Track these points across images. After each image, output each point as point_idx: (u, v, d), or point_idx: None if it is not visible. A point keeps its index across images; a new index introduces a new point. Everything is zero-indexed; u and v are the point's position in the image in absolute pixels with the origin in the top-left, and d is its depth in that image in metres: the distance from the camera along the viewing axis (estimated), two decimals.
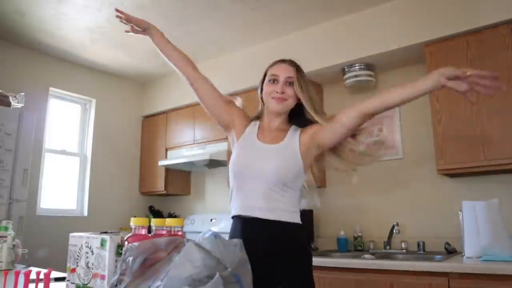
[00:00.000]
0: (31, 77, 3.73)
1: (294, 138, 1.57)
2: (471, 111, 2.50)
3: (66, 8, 3.06)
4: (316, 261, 2.55)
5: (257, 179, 1.49)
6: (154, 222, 0.99)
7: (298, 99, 1.60)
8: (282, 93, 1.59)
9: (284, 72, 1.64)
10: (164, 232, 0.97)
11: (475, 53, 2.54)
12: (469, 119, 2.50)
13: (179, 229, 0.97)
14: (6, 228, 1.88)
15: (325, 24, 3.28)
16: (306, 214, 3.34)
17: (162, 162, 4.10)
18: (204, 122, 3.99)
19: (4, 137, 2.98)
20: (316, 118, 1.56)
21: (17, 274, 1.15)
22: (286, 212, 1.48)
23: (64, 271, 1.22)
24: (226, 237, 3.37)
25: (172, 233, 0.96)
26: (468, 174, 2.64)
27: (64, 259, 1.12)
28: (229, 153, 3.67)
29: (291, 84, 1.61)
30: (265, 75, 1.71)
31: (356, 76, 3.13)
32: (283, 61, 1.71)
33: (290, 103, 1.60)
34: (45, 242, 3.38)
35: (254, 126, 1.67)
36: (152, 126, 4.54)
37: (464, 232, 2.33)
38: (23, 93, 3.21)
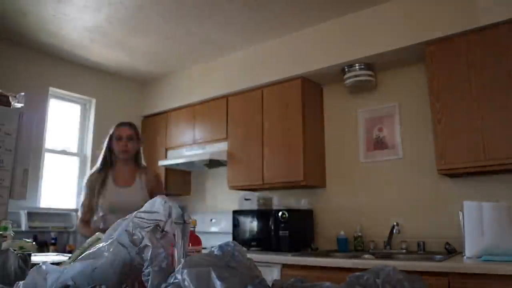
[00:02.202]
0: (31, 77, 3.73)
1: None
2: (471, 111, 2.50)
3: (66, 8, 3.06)
4: (316, 261, 2.56)
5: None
6: None
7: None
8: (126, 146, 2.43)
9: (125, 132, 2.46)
10: None
11: (475, 53, 2.53)
12: (469, 119, 2.50)
13: (192, 229, 0.97)
14: (6, 228, 1.88)
15: (325, 24, 3.28)
16: (306, 214, 3.34)
17: (162, 162, 4.10)
18: (204, 122, 3.99)
19: (4, 137, 2.97)
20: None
21: None
22: None
23: None
24: (226, 236, 3.33)
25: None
26: (468, 174, 2.64)
27: None
28: (229, 153, 3.70)
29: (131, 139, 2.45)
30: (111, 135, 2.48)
31: (356, 76, 3.13)
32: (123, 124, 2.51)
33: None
34: None
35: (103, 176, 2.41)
36: (152, 126, 4.53)
37: (465, 232, 2.32)
38: (23, 93, 3.20)
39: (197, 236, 1.01)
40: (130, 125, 2.50)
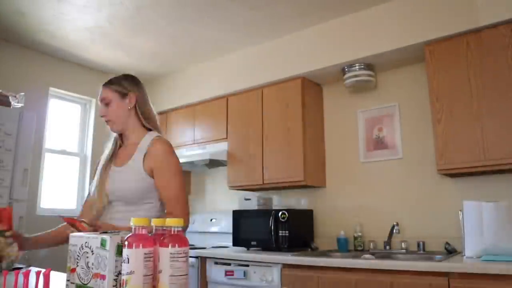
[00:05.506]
0: (31, 77, 3.73)
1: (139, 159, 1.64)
2: (471, 111, 2.50)
3: (66, 8, 3.06)
4: (316, 261, 2.56)
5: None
6: (154, 222, 0.99)
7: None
8: (104, 116, 1.69)
9: (99, 97, 1.73)
10: (164, 232, 0.96)
11: (475, 53, 2.54)
12: (469, 119, 2.50)
13: (180, 229, 0.96)
14: None
15: (325, 24, 3.28)
16: (306, 214, 3.35)
17: None
18: (204, 122, 3.99)
19: (4, 137, 2.98)
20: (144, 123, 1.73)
21: (16, 274, 1.16)
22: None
23: (64, 271, 1.22)
24: (226, 236, 3.31)
25: (173, 233, 0.95)
26: (468, 174, 2.64)
27: (64, 259, 1.12)
28: (229, 153, 3.70)
29: (107, 105, 1.69)
30: None
31: (356, 76, 3.13)
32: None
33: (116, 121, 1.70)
34: None
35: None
36: None
37: (465, 232, 2.33)
38: (23, 93, 3.21)
39: (183, 236, 0.98)
40: (105, 84, 1.72)
